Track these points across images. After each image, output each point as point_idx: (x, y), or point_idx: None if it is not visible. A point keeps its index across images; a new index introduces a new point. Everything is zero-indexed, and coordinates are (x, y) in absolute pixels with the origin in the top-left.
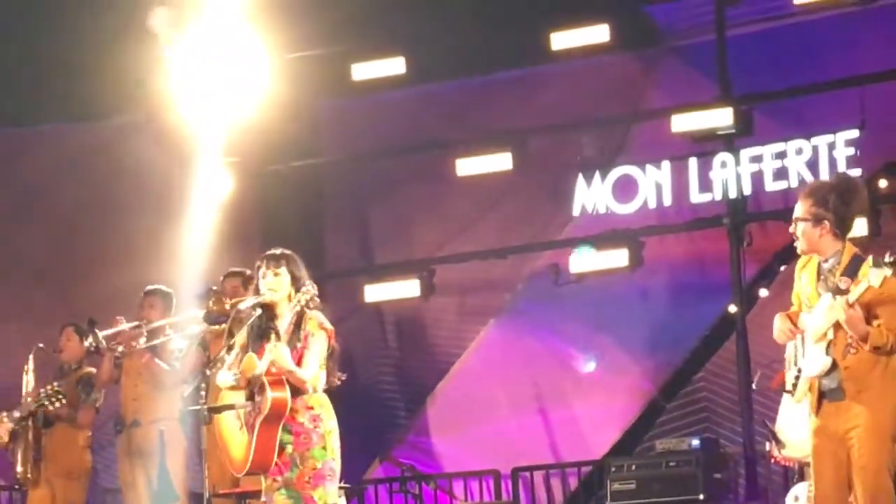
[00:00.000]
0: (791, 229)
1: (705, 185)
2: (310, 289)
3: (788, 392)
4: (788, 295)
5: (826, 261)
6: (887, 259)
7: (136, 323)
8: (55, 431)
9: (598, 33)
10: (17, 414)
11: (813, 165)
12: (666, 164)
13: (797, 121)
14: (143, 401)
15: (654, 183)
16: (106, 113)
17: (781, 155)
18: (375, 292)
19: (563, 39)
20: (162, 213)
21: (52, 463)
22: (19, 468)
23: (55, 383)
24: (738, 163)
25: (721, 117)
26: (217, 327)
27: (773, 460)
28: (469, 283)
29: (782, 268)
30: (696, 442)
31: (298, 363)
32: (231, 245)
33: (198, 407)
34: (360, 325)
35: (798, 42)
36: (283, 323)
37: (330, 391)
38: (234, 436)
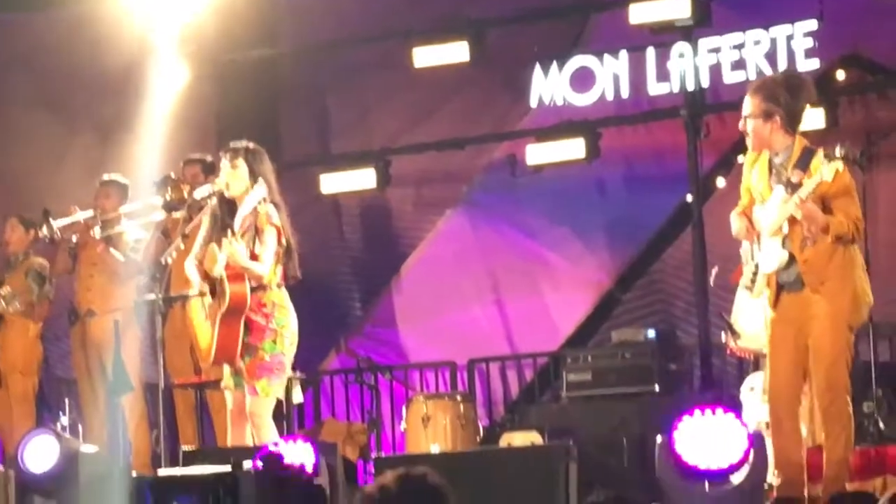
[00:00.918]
0: (741, 126)
1: (663, 77)
2: (265, 184)
3: (747, 288)
4: None
5: (777, 155)
6: (838, 152)
7: (90, 213)
8: (6, 325)
9: None
10: None
11: (771, 57)
12: (624, 55)
13: (755, 11)
14: (97, 291)
15: (611, 74)
16: (59, 2)
17: (740, 46)
18: (331, 182)
19: None
20: (117, 104)
21: (4, 356)
22: None
23: (7, 287)
24: (696, 53)
25: (679, 8)
26: (177, 214)
27: (728, 351)
28: (426, 175)
29: (740, 158)
30: (651, 333)
31: (253, 258)
32: (187, 136)
33: (153, 297)
34: (317, 217)
35: None
36: (239, 217)
37: (287, 286)
38: (201, 326)
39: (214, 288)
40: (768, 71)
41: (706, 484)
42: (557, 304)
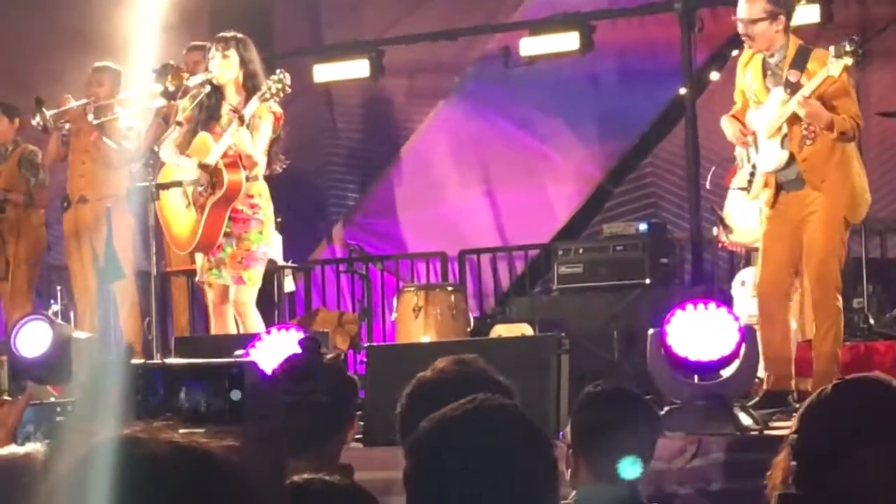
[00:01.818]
0: (741, 31)
1: None
2: (282, 78)
3: (743, 189)
4: None
5: (772, 55)
6: (847, 48)
7: (84, 101)
8: (9, 216)
9: None
10: None
11: None
12: None
13: None
14: (90, 178)
15: None
16: None
17: None
18: (324, 72)
19: None
20: None
21: (13, 249)
22: None
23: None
24: None
25: None
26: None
27: (720, 245)
28: (419, 65)
29: (734, 52)
30: (643, 226)
31: None
32: (180, 25)
33: (145, 183)
34: (309, 107)
35: None
36: (228, 105)
37: (272, 176)
38: (180, 214)
39: (209, 176)
40: None
41: (695, 377)
42: (549, 197)
